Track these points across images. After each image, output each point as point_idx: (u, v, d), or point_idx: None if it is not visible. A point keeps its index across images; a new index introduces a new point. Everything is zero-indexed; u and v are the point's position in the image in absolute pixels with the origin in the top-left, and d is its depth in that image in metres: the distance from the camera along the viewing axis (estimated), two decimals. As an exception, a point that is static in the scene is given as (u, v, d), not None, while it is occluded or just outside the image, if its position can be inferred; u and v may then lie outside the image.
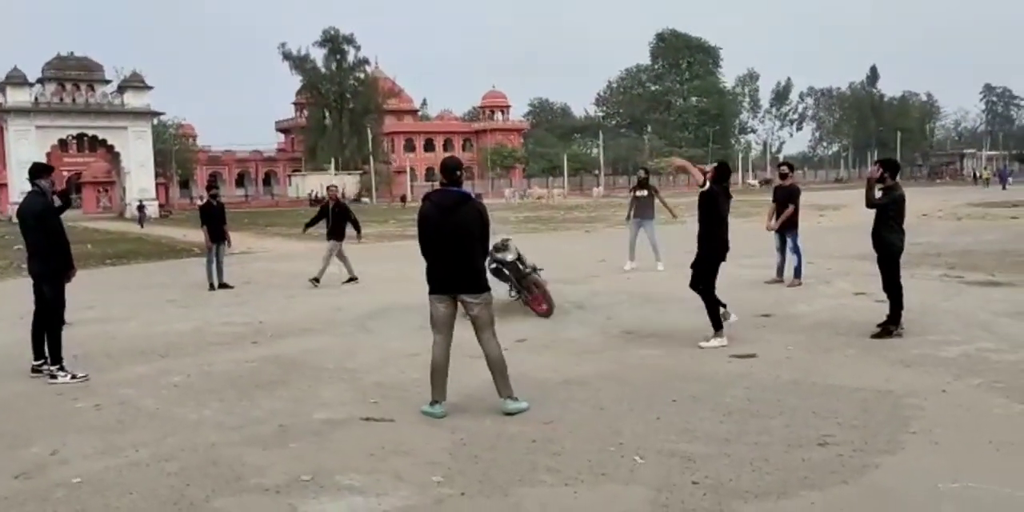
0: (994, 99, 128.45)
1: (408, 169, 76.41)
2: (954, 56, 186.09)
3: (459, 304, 5.71)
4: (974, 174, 74.30)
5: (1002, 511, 3.86)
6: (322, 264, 13.51)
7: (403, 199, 63.39)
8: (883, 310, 8.21)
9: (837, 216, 28.91)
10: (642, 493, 4.20)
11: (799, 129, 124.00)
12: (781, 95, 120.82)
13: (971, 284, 11.44)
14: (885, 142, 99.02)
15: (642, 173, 15.06)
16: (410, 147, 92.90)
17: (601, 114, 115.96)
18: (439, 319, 5.74)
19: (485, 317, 5.71)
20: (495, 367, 5.75)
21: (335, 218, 13.90)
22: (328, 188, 15.09)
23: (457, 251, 5.61)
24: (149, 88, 60.58)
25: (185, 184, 79.83)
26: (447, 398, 5.76)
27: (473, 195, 5.83)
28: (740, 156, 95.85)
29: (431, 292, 5.78)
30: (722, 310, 7.99)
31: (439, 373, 5.72)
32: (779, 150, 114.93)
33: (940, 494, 4.10)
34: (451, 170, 5.77)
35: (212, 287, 13.34)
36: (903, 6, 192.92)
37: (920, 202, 31.79)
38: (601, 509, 4.04)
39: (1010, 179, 63.80)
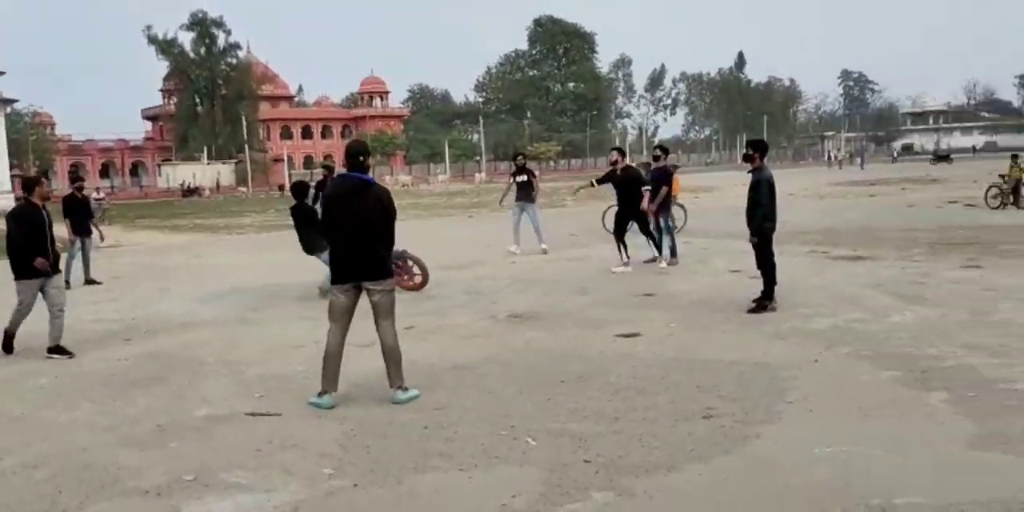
0: (851, 84, 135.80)
1: (286, 157, 74.46)
2: (814, 42, 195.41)
3: (362, 292, 5.59)
4: (828, 156, 77.92)
5: (871, 471, 4.09)
6: None
7: (280, 188, 61.75)
8: (757, 286, 8.56)
9: (711, 197, 29.94)
10: (535, 474, 4.23)
11: (673, 114, 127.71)
12: (655, 80, 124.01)
13: (836, 259, 12.08)
14: (752, 126, 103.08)
15: (520, 158, 15.13)
16: (287, 135, 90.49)
17: (481, 100, 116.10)
18: (338, 308, 5.60)
19: (387, 304, 5.61)
20: (390, 356, 5.66)
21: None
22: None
23: (359, 238, 5.47)
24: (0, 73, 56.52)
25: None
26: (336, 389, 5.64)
27: (374, 180, 5.69)
28: (617, 140, 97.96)
29: (333, 283, 5.64)
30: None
31: (332, 362, 5.59)
32: (654, 134, 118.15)
33: (815, 459, 4.30)
34: (354, 155, 5.60)
35: (70, 285, 12.52)
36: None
37: (786, 183, 33.30)
38: (496, 492, 4.04)
39: (867, 157, 67.67)
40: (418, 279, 9.64)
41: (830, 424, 4.86)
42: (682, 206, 16.94)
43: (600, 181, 12.91)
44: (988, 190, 21.04)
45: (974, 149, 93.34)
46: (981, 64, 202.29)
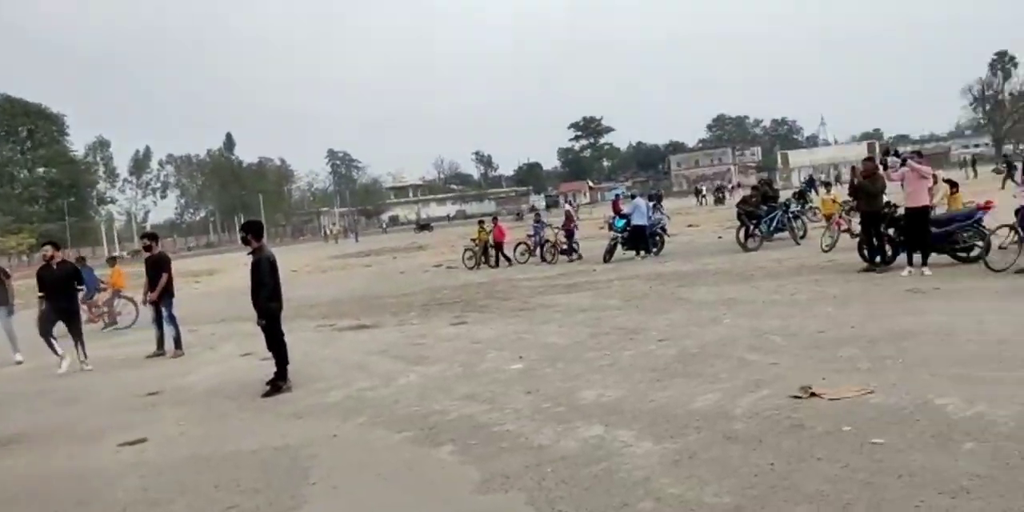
0: (337, 162, 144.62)
1: None
2: (299, 124, 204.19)
3: None
4: (324, 231, 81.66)
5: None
6: None
7: None
8: (270, 368, 8.43)
9: (213, 280, 29.09)
10: None
11: (163, 197, 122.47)
12: (140, 163, 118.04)
13: (343, 330, 12.50)
14: (249, 205, 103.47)
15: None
16: None
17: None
18: None
19: None
20: None
21: None
22: None
23: None
24: None
25: None
26: None
27: None
28: (104, 228, 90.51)
29: None
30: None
31: None
32: (144, 220, 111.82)
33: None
34: None
35: None
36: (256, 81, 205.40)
37: (289, 259, 33.88)
38: None
39: (359, 230, 72.16)
40: None
41: (354, 498, 4.90)
42: (131, 299, 16.35)
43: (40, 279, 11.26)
44: (464, 252, 23.86)
45: (449, 217, 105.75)
46: (446, 143, 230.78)
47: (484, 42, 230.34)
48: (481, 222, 24.30)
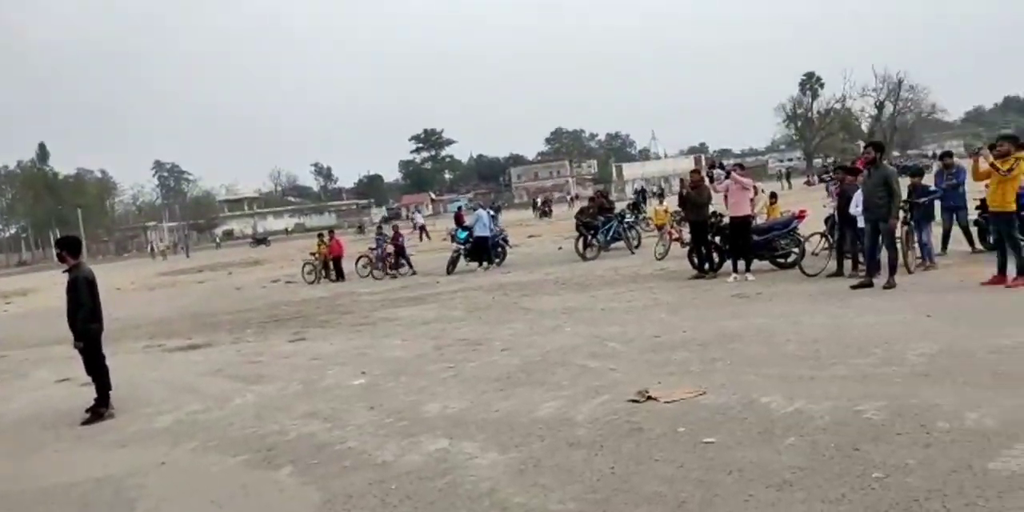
0: (165, 174, 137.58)
1: None
2: (123, 134, 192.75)
3: None
4: (151, 247, 76.86)
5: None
6: None
7: None
8: (91, 394, 7.85)
9: (26, 301, 26.92)
10: None
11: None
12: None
13: (173, 351, 11.84)
14: (67, 220, 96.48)
15: None
16: None
17: None
18: None
19: None
20: None
21: None
22: None
23: None
24: None
25: None
26: None
27: None
28: None
29: None
30: None
31: None
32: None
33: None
34: None
35: None
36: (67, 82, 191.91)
37: (112, 277, 31.87)
38: None
39: (190, 244, 68.74)
40: None
41: (186, 528, 4.62)
42: None
43: None
44: (304, 267, 23.22)
45: (287, 231, 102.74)
46: (284, 155, 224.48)
47: (327, 54, 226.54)
48: (320, 235, 23.74)
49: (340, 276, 22.13)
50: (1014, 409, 5.05)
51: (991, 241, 11.47)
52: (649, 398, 6.14)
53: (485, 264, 20.01)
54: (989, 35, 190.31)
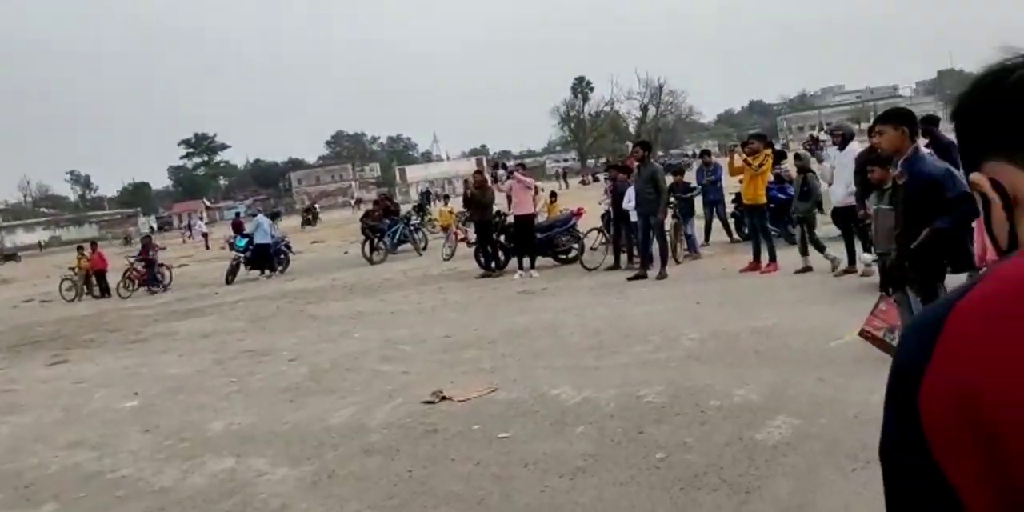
0: None
1: None
2: None
3: None
4: None
5: None
6: None
7: None
8: None
9: None
10: None
11: None
12: None
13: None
14: None
15: None
16: None
17: None
18: None
19: None
20: None
21: None
22: None
23: None
24: None
25: None
26: None
27: None
28: None
29: None
30: None
31: None
32: None
33: None
34: None
35: None
36: None
37: None
38: None
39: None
40: None
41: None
42: None
43: None
44: (62, 283, 21.17)
45: (41, 245, 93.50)
46: (33, 163, 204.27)
47: (71, 55, 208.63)
48: (80, 248, 21.77)
49: (105, 291, 20.40)
50: (774, 384, 5.52)
51: (746, 232, 12.54)
52: (443, 398, 6.13)
53: (267, 272, 19.23)
54: (737, 47, 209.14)
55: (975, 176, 0.84)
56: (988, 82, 0.83)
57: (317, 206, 61.57)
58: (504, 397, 6.02)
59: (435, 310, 10.75)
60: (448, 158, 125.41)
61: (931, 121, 9.03)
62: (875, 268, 8.29)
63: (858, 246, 9.12)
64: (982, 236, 4.39)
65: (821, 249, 9.69)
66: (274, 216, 31.75)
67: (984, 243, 4.51)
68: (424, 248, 20.45)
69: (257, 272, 19.33)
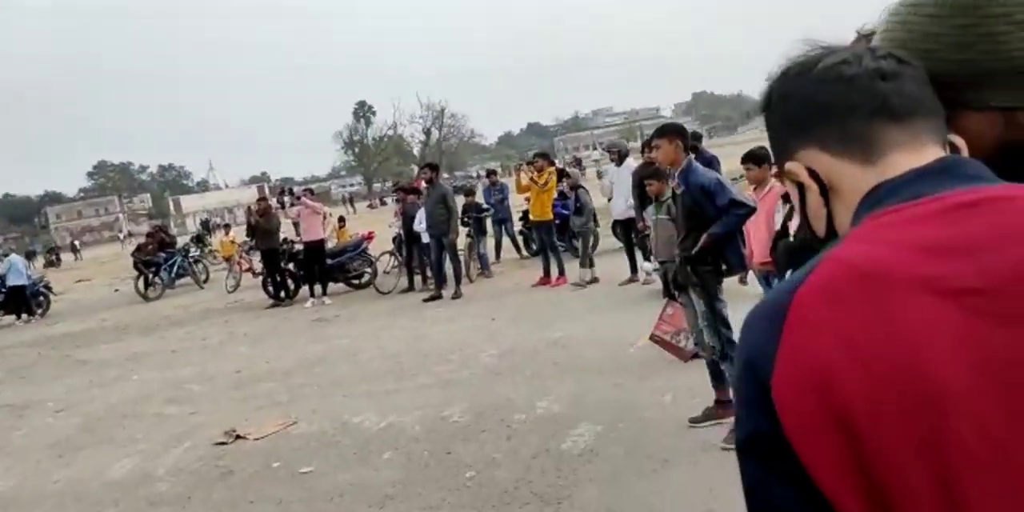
0: None
1: None
2: None
3: None
4: None
5: None
6: None
7: None
8: None
9: None
10: None
11: None
12: None
13: None
14: None
15: None
16: None
17: None
18: None
19: None
20: None
21: None
22: None
23: None
24: None
25: None
26: None
27: None
28: None
29: None
30: None
31: None
32: None
33: None
34: None
35: None
36: None
37: None
38: None
39: None
40: None
41: None
42: None
43: None
44: None
45: None
46: None
47: None
48: None
49: None
50: (574, 394, 5.66)
51: (534, 248, 12.89)
52: (238, 437, 5.76)
53: (25, 316, 17.38)
54: (514, 72, 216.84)
55: (790, 165, 0.85)
56: (795, 72, 0.85)
57: (77, 243, 56.66)
58: (304, 430, 5.75)
59: (223, 345, 10.15)
60: (227, 186, 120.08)
61: (695, 138, 9.74)
62: (656, 277, 8.80)
63: (639, 256, 9.63)
64: (750, 239, 4.74)
65: (584, 265, 10.27)
66: (29, 256, 28.87)
67: (751, 246, 4.87)
68: (206, 281, 19.34)
69: (12, 317, 17.43)
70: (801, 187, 0.85)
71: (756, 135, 58.62)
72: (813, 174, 0.83)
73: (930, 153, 0.80)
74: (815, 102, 0.82)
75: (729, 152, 12.40)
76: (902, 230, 0.73)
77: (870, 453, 0.66)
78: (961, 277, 0.68)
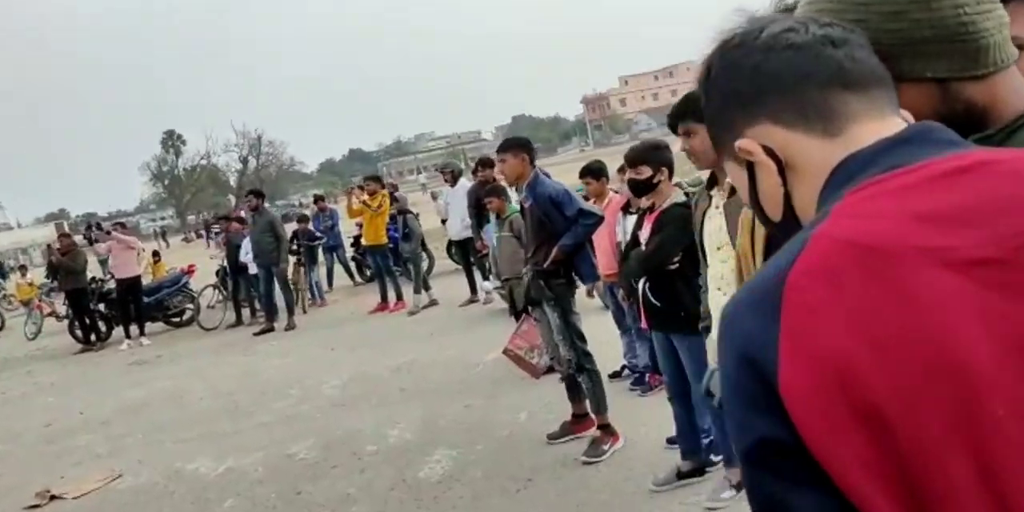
0: None
1: None
2: None
3: None
4: None
5: None
6: None
7: None
8: None
9: None
10: None
11: None
12: None
13: None
14: None
15: None
16: None
17: None
18: None
19: None
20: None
21: None
22: None
23: None
24: None
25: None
26: None
27: None
28: None
29: None
30: None
31: None
32: None
33: None
34: None
35: None
36: None
37: None
38: None
39: None
40: None
41: None
42: None
43: None
44: None
45: None
46: None
47: None
48: None
49: None
50: (425, 419, 5.48)
51: (368, 274, 12.58)
52: (53, 498, 5.15)
53: None
54: (333, 98, 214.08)
55: (742, 142, 0.76)
56: (737, 42, 0.77)
57: None
58: (131, 483, 5.23)
59: (26, 397, 9.17)
60: (20, 225, 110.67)
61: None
62: (496, 295, 8.77)
63: (478, 276, 9.58)
64: (597, 249, 4.76)
65: (418, 291, 10.07)
66: None
67: (597, 258, 4.89)
68: (1, 328, 17.59)
69: None
70: (751, 168, 0.77)
71: (575, 155, 60.83)
72: (768, 151, 0.75)
73: (893, 123, 0.74)
74: (763, 72, 0.74)
75: (551, 172, 12.65)
76: (894, 201, 0.65)
77: (905, 446, 0.57)
78: (970, 247, 0.62)
